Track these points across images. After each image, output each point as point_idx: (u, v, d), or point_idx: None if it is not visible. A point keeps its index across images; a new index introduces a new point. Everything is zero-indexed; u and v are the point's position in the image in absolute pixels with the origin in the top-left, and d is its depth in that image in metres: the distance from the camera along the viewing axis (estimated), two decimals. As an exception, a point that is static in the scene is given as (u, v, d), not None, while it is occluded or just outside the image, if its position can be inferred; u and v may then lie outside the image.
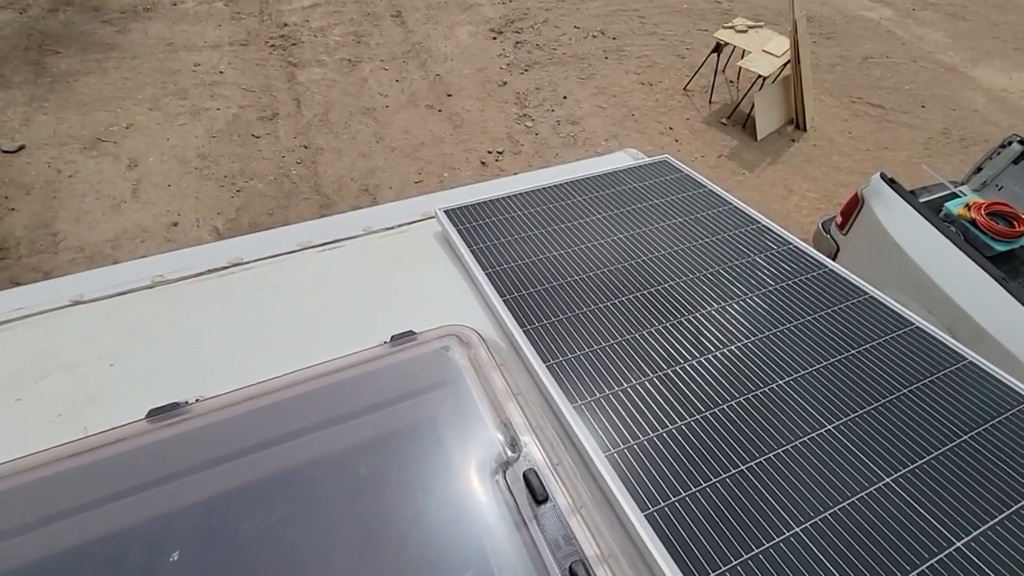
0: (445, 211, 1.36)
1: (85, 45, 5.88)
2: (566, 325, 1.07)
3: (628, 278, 1.20)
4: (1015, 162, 3.74)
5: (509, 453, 0.82)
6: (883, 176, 3.32)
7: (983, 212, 3.51)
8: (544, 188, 1.46)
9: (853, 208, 3.48)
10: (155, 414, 0.87)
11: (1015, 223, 3.45)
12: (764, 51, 5.28)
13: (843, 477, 0.85)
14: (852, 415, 0.95)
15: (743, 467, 0.84)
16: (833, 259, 3.71)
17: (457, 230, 1.30)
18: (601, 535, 0.76)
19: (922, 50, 6.90)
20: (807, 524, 0.77)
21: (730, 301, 1.16)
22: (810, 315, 1.13)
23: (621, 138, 5.32)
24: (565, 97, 5.73)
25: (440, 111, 5.50)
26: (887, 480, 0.83)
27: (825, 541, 0.76)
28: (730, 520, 0.77)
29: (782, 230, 1.39)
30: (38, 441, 0.89)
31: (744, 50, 5.36)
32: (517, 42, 6.43)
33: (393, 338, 0.99)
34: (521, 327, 1.05)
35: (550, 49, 6.36)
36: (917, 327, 1.13)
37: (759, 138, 5.31)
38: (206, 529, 0.76)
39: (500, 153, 5.11)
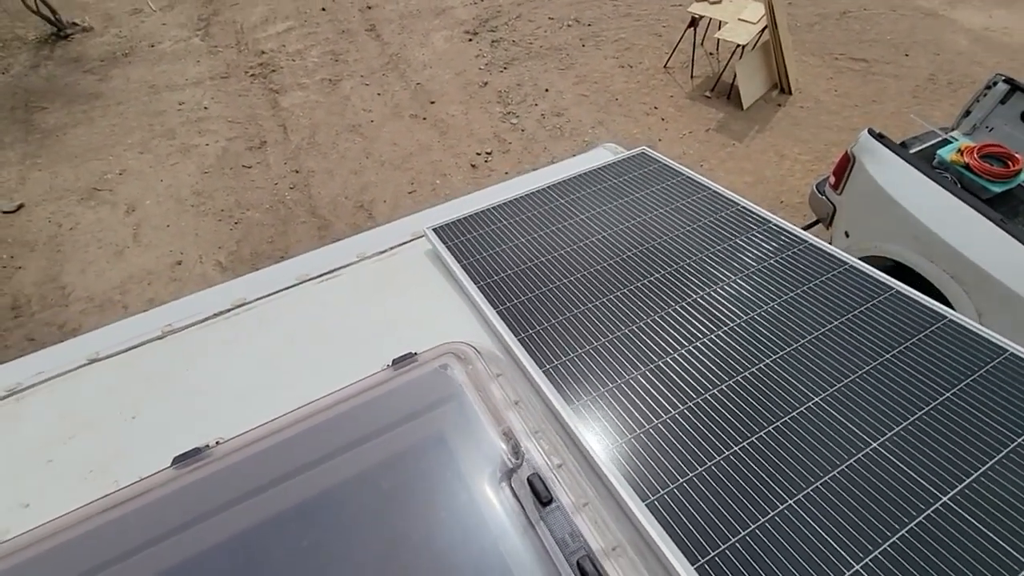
0: (433, 229, 1.40)
1: (70, 97, 5.97)
2: (559, 329, 1.11)
3: (615, 275, 1.24)
4: (1002, 102, 3.72)
5: (512, 460, 0.86)
6: (871, 132, 3.31)
7: (976, 155, 3.49)
8: (527, 195, 1.49)
9: (845, 167, 3.48)
10: (180, 460, 0.92)
11: (1009, 163, 3.44)
12: (740, 20, 5.25)
13: (832, 447, 0.88)
14: (838, 384, 0.98)
15: (736, 448, 0.87)
16: (830, 220, 3.74)
17: (446, 247, 1.34)
18: (608, 528, 0.81)
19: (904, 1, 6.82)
20: (800, 496, 0.81)
21: (715, 287, 1.19)
22: (793, 291, 1.16)
23: (607, 124, 5.32)
24: (547, 90, 5.74)
25: (425, 119, 5.53)
26: (874, 445, 0.86)
27: (818, 510, 0.80)
28: (726, 500, 0.81)
29: (761, 209, 1.41)
30: (73, 499, 0.94)
31: (720, 21, 5.34)
32: (493, 41, 6.44)
33: (395, 362, 1.04)
34: (516, 336, 1.09)
35: (526, 43, 6.36)
36: (897, 291, 1.16)
37: (745, 107, 5.29)
38: (241, 564, 0.81)
39: (489, 154, 5.14)
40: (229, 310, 1.32)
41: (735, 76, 5.24)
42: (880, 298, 1.14)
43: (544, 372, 1.01)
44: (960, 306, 2.90)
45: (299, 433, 0.92)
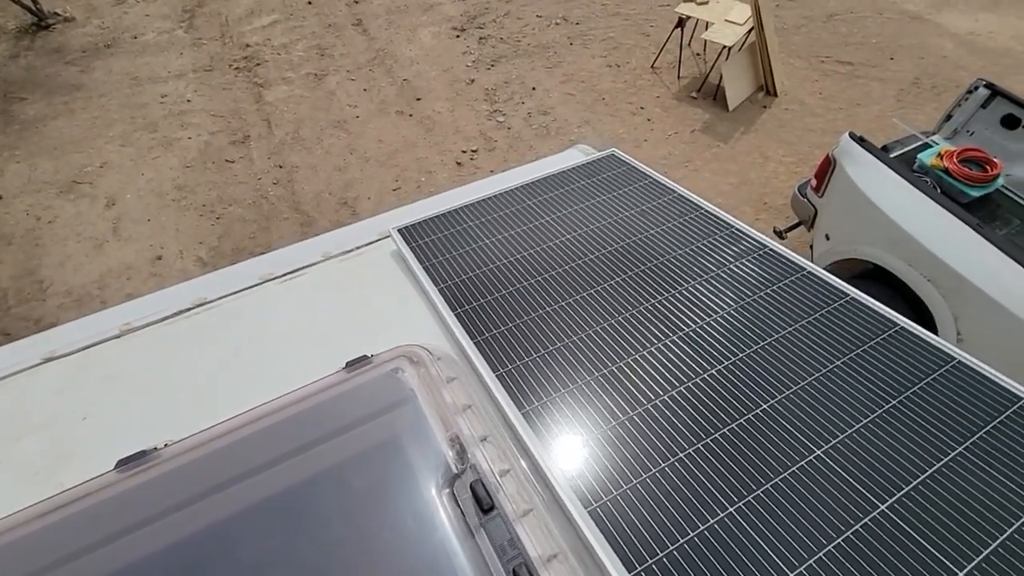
0: (399, 230, 1.39)
1: (50, 88, 5.88)
2: (516, 332, 1.10)
3: (577, 278, 1.24)
4: (983, 106, 3.75)
5: (457, 467, 0.86)
6: (852, 135, 3.34)
7: (955, 160, 3.53)
8: (495, 196, 1.48)
9: (826, 170, 3.50)
10: (123, 464, 0.91)
11: (987, 167, 3.48)
12: (727, 21, 5.27)
13: (776, 454, 0.88)
14: (787, 391, 0.98)
15: (681, 454, 0.87)
16: (812, 222, 3.75)
17: (410, 247, 1.33)
18: (551, 535, 0.80)
19: (886, 1, 6.87)
20: (740, 503, 0.81)
21: (674, 291, 1.19)
22: (750, 296, 1.16)
23: (593, 123, 5.32)
24: (534, 88, 5.72)
25: (411, 116, 5.50)
26: (818, 452, 0.86)
27: (758, 518, 0.81)
28: (667, 507, 0.81)
29: (725, 214, 1.42)
30: (16, 501, 0.93)
31: (707, 22, 5.35)
32: (481, 38, 6.41)
33: (348, 364, 1.03)
34: (472, 339, 1.09)
35: (514, 41, 6.34)
36: (852, 298, 1.17)
37: (731, 108, 5.31)
38: (180, 570, 0.80)
39: (475, 151, 5.12)
40: (189, 309, 1.30)
41: (721, 77, 5.26)
42: (834, 304, 1.14)
43: (498, 376, 1.01)
44: (937, 309, 2.93)
45: (247, 437, 0.91)
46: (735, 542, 0.78)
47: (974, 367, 1.05)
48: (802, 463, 0.87)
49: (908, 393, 0.97)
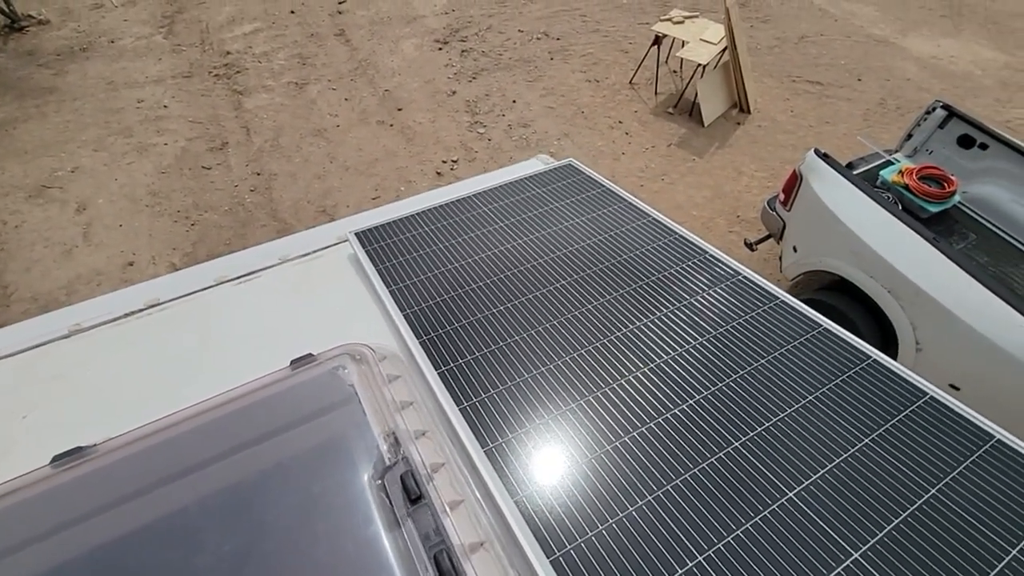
0: (356, 233, 1.40)
1: (22, 91, 5.79)
2: (460, 332, 1.12)
3: (523, 281, 1.26)
4: (941, 126, 3.90)
5: (390, 460, 0.87)
6: (817, 152, 3.44)
7: (915, 177, 3.66)
8: (452, 202, 1.51)
9: (793, 185, 3.59)
10: (59, 459, 0.89)
11: (945, 184, 3.61)
12: (701, 40, 5.42)
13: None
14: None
15: (608, 447, 0.89)
16: (780, 235, 3.83)
17: (366, 251, 1.35)
18: (479, 525, 0.82)
19: (854, 25, 7.13)
20: (659, 492, 0.83)
21: (614, 294, 1.22)
22: (685, 300, 1.20)
23: (572, 136, 5.40)
24: (515, 101, 5.80)
25: (392, 126, 5.53)
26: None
27: (662, 510, 0.82)
28: (591, 496, 0.83)
29: (670, 221, 1.45)
30: (-53, 498, 0.91)
31: (683, 41, 5.49)
32: (463, 50, 6.49)
33: (293, 362, 1.03)
34: (417, 338, 1.10)
35: (496, 55, 6.43)
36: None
37: (706, 124, 5.44)
38: (111, 565, 0.79)
39: (455, 162, 5.15)
40: (142, 310, 1.29)
41: (697, 94, 5.39)
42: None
43: (439, 374, 1.02)
44: (896, 319, 3.02)
45: (185, 433, 0.91)
46: (650, 528, 0.79)
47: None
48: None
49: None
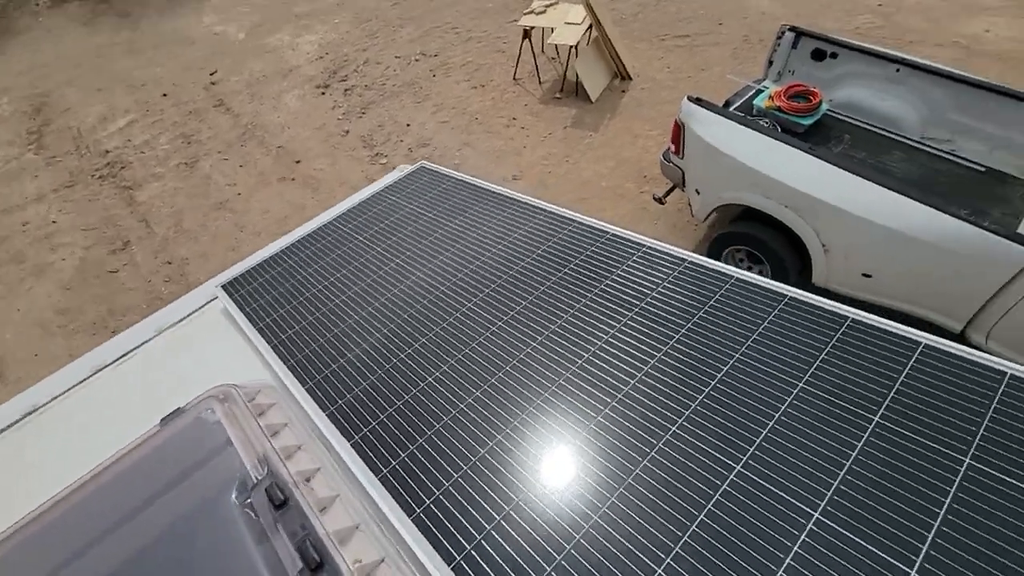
0: (221, 286, 1.41)
1: None
2: (326, 346, 1.16)
3: (381, 284, 1.30)
4: (794, 47, 4.19)
5: (256, 478, 0.90)
6: (690, 98, 3.63)
7: (784, 97, 3.91)
8: (312, 232, 1.54)
9: (678, 134, 3.77)
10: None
11: (811, 98, 3.88)
12: (567, 23, 5.63)
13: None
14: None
15: (447, 419, 0.94)
16: (683, 183, 3.99)
17: (233, 299, 1.36)
18: (354, 511, 0.86)
19: (704, -25, 7.56)
20: (492, 444, 0.87)
21: (482, 293, 1.26)
22: (565, 268, 1.26)
23: (472, 143, 5.49)
24: (408, 124, 5.84)
25: (294, 179, 5.46)
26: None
27: (506, 454, 0.88)
28: (435, 457, 0.88)
29: (528, 197, 1.52)
30: None
31: (551, 28, 5.69)
32: (346, 90, 6.49)
33: (162, 420, 1.04)
34: (285, 363, 1.14)
35: (379, 85, 6.46)
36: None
37: (593, 100, 5.64)
38: None
39: (365, 198, 5.14)
40: (18, 420, 1.24)
41: (577, 75, 5.59)
42: (635, 255, 1.24)
43: (307, 388, 1.07)
44: (801, 230, 3.22)
45: (56, 518, 0.90)
46: (495, 473, 0.83)
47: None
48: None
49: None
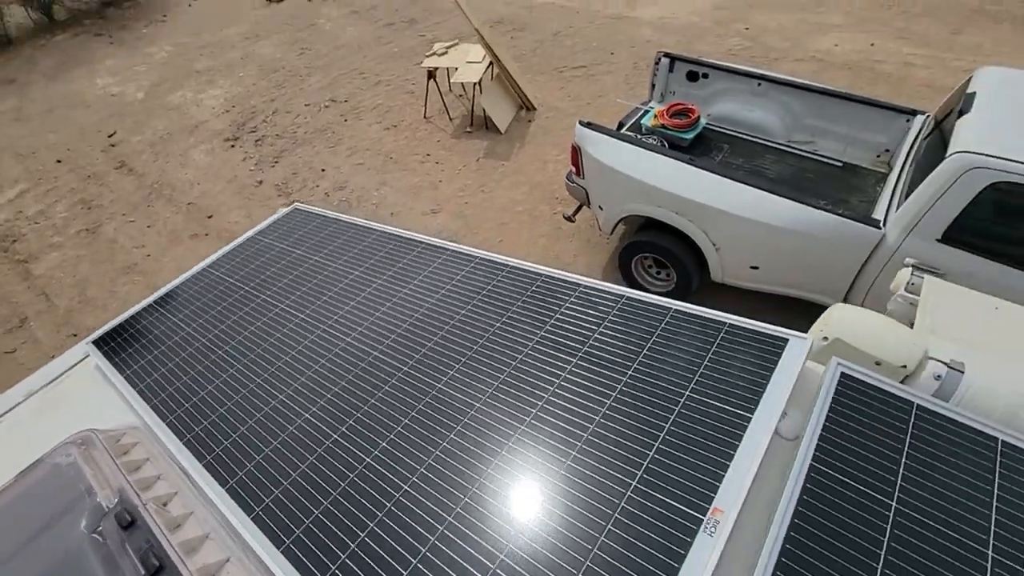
0: (93, 341, 1.43)
1: None
2: (191, 384, 1.21)
3: (242, 320, 1.37)
4: (671, 71, 4.63)
5: (107, 508, 0.94)
6: (581, 123, 3.91)
7: (667, 115, 4.30)
8: (186, 279, 1.59)
9: (576, 157, 4.04)
10: None
11: (689, 114, 4.28)
12: (468, 62, 5.91)
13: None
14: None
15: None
16: (588, 200, 4.23)
17: (102, 352, 1.38)
18: (205, 521, 0.92)
19: (594, 11, 8.19)
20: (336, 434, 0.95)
21: (363, 326, 1.35)
22: (436, 293, 1.37)
23: (389, 182, 5.59)
24: (323, 169, 5.87)
25: (207, 235, 5.33)
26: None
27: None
28: (267, 453, 0.96)
29: (395, 229, 1.64)
30: None
31: (454, 68, 5.96)
32: (256, 140, 6.45)
33: (19, 474, 1.06)
34: (148, 402, 1.19)
35: (291, 134, 6.48)
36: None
37: (503, 131, 5.91)
38: None
39: (284, 246, 5.08)
40: None
41: (484, 109, 5.86)
42: (500, 275, 1.36)
43: (167, 423, 1.12)
44: (693, 233, 3.52)
45: None
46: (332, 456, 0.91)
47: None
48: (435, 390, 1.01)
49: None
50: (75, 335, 4.58)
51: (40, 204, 6.01)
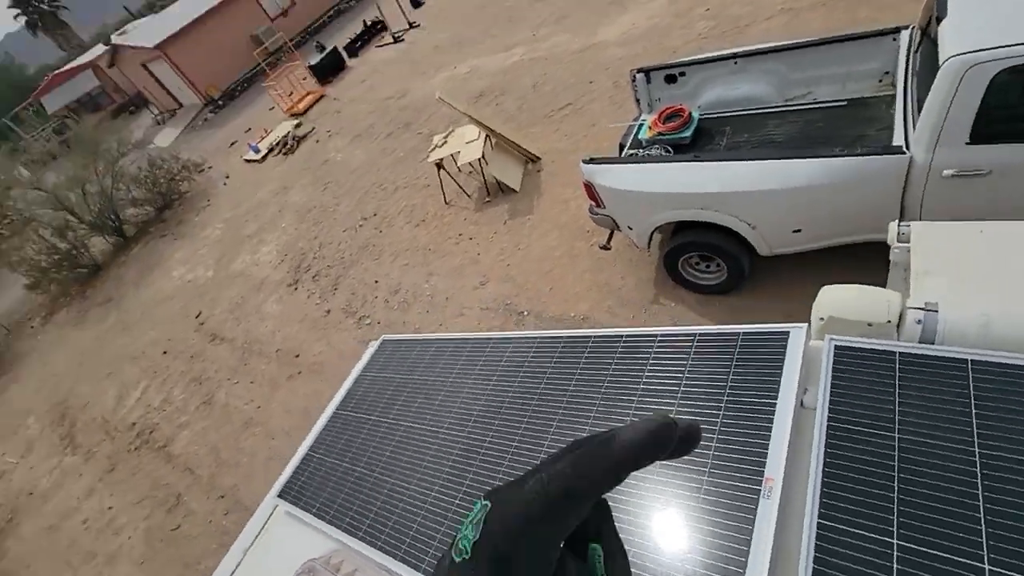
0: (278, 495, 1.76)
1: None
2: (365, 504, 1.48)
3: (381, 443, 1.63)
4: (648, 82, 4.87)
5: None
6: (584, 160, 4.18)
7: (660, 122, 4.50)
8: (324, 426, 1.91)
9: (591, 191, 4.29)
10: None
11: (680, 113, 4.47)
12: (467, 143, 6.42)
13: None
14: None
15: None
16: (617, 226, 4.42)
17: (287, 500, 1.70)
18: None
19: (559, 52, 8.66)
20: None
21: (494, 425, 1.59)
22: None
23: (435, 272, 6.03)
24: (376, 281, 6.42)
25: (300, 373, 5.91)
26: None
27: None
28: (441, 536, 1.19)
29: (470, 334, 1.90)
30: None
31: (457, 152, 6.48)
32: (313, 277, 7.16)
33: None
34: (338, 526, 1.49)
35: (339, 260, 7.15)
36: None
37: (517, 189, 6.29)
38: None
39: (366, 360, 5.55)
40: None
41: (495, 176, 6.29)
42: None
43: (359, 537, 1.40)
44: (724, 220, 3.62)
45: None
46: None
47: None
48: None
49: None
50: (222, 496, 5.15)
51: (161, 394, 6.88)
